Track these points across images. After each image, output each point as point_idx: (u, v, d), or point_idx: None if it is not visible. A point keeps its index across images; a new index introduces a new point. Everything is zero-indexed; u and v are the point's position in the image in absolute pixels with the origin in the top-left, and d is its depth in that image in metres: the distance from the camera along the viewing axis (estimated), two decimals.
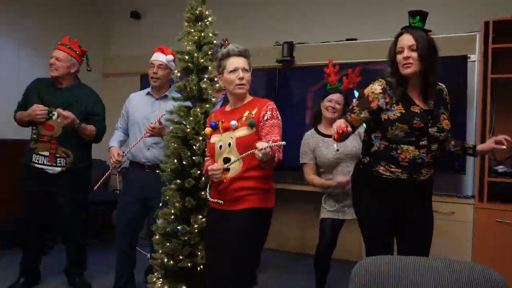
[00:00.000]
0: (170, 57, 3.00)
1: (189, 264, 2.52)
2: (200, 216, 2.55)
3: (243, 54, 2.21)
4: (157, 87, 3.09)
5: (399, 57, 2.13)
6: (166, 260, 2.56)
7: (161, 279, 2.60)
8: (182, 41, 2.57)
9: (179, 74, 2.60)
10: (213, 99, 2.61)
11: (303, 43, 4.46)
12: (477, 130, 3.54)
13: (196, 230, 2.54)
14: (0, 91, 4.27)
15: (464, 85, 3.68)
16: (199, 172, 2.50)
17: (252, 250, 2.18)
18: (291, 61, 4.39)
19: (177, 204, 2.55)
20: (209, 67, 2.56)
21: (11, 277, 3.33)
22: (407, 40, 2.11)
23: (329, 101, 2.98)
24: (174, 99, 2.63)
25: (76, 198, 3.20)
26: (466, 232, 3.48)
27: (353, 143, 2.93)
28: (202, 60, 2.54)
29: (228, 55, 2.21)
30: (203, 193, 2.55)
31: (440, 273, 1.47)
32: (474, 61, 3.75)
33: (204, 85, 2.56)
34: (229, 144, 2.16)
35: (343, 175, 2.85)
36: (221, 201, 2.16)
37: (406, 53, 2.10)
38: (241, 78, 2.17)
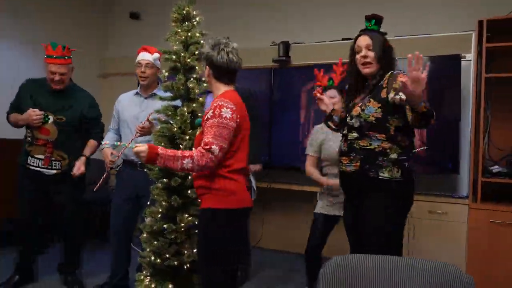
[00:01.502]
0: (156, 55, 3.06)
1: (175, 263, 2.54)
2: (187, 215, 2.57)
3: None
4: (145, 86, 3.16)
5: (358, 56, 2.26)
6: (153, 258, 2.57)
7: (148, 277, 2.62)
8: (169, 41, 2.59)
9: (166, 74, 2.62)
10: (200, 99, 2.62)
11: (299, 43, 4.45)
12: (471, 130, 3.51)
13: (182, 229, 2.56)
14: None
15: (459, 84, 3.65)
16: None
17: (207, 251, 2.09)
18: (287, 61, 4.38)
19: (163, 203, 2.57)
20: (196, 67, 2.59)
21: (4, 274, 3.36)
22: (363, 40, 2.25)
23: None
24: (161, 98, 2.66)
25: (76, 196, 3.26)
26: (460, 232, 3.46)
27: None
28: (189, 60, 2.56)
29: None
30: (189, 192, 2.56)
31: (410, 271, 1.46)
32: (470, 60, 3.71)
33: (191, 85, 2.57)
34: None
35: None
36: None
37: (363, 52, 2.22)
38: None
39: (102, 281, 3.33)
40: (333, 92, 3.03)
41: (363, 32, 2.30)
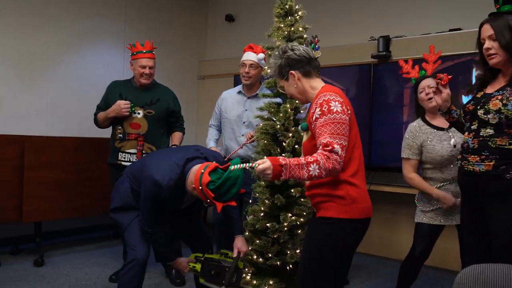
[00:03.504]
0: (261, 55, 3.03)
1: (278, 263, 2.53)
2: (290, 214, 2.55)
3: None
4: (249, 86, 3.19)
5: (483, 48, 2.09)
6: (255, 257, 2.57)
7: (249, 274, 2.61)
8: (272, 37, 2.58)
9: (269, 71, 2.59)
10: None
11: (400, 37, 4.22)
12: None
13: (285, 228, 2.54)
14: None
15: None
16: None
17: (322, 263, 1.87)
18: (387, 56, 4.17)
19: (266, 201, 2.58)
20: None
21: (116, 266, 3.61)
22: (486, 30, 2.07)
23: (421, 91, 2.73)
24: (264, 95, 2.67)
25: None
26: None
27: None
28: None
29: None
30: (292, 190, 2.51)
31: None
32: None
33: None
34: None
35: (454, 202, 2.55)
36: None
37: (487, 43, 2.06)
38: None
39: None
40: (430, 81, 2.68)
41: (486, 19, 2.11)
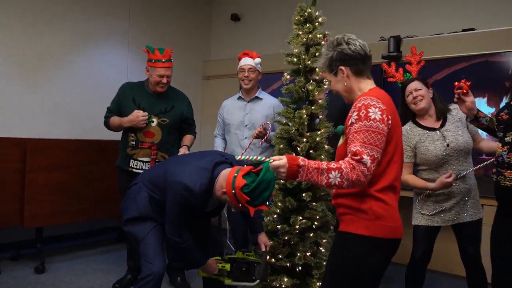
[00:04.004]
0: (258, 59, 3.24)
1: (287, 264, 2.52)
2: (300, 217, 2.52)
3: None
4: (248, 90, 3.32)
5: None
6: (268, 257, 2.56)
7: None
8: (291, 44, 2.59)
9: (288, 77, 2.62)
10: (320, 101, 2.57)
11: (411, 37, 4.13)
12: None
13: (296, 231, 2.52)
14: (110, 94, 4.52)
15: None
16: None
17: (342, 280, 1.72)
18: (398, 56, 4.07)
19: (279, 204, 2.58)
20: (316, 69, 2.57)
21: (119, 272, 3.52)
22: None
23: (407, 95, 2.67)
24: (281, 101, 2.69)
25: None
26: None
27: (465, 136, 2.57)
28: (309, 62, 2.54)
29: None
30: (304, 194, 2.48)
31: None
32: None
33: (310, 87, 2.54)
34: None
35: (448, 174, 2.49)
36: None
37: None
38: None
39: None
40: (416, 84, 2.64)
41: None
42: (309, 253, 2.50)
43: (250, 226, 2.61)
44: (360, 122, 1.61)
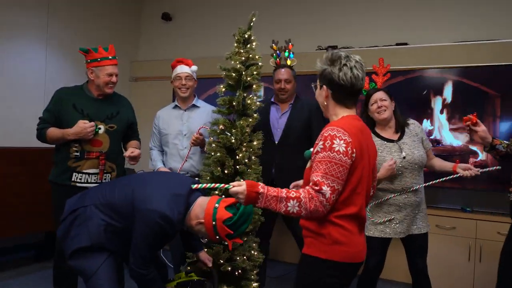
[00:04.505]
0: (194, 67, 3.19)
1: (228, 268, 2.63)
2: None
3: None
4: (185, 98, 3.23)
5: None
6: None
7: None
8: (231, 59, 2.75)
9: (224, 89, 2.76)
10: (255, 115, 2.77)
11: (348, 47, 4.19)
12: None
13: None
14: (28, 95, 4.06)
15: None
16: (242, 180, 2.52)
17: None
18: None
19: None
20: (254, 85, 2.77)
21: None
22: None
23: (372, 103, 2.72)
24: (219, 111, 2.80)
25: None
26: None
27: (421, 151, 2.67)
28: (249, 79, 2.72)
29: None
30: None
31: None
32: None
33: (249, 101, 2.74)
34: None
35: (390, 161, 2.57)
36: None
37: None
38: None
39: None
40: (382, 94, 2.70)
41: None
42: (245, 257, 2.68)
43: (190, 246, 2.51)
44: (325, 152, 1.64)
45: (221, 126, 2.73)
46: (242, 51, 2.74)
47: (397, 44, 4.05)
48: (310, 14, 4.62)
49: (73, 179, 2.80)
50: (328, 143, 1.64)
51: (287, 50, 3.27)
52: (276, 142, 3.19)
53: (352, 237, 1.71)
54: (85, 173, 2.80)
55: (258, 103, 2.74)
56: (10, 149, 3.61)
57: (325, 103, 1.80)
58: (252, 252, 2.73)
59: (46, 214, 3.48)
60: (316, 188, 1.59)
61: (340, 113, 1.78)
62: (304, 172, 1.82)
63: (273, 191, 1.63)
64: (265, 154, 2.91)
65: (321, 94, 1.81)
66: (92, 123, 2.75)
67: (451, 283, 3.56)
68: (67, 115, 2.79)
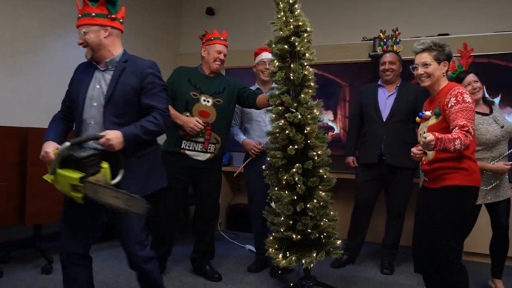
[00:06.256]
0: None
1: (317, 235, 2.66)
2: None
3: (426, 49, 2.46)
4: (266, 81, 3.57)
5: None
6: (294, 235, 2.68)
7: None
8: (278, 31, 2.63)
9: (277, 64, 2.67)
10: (312, 84, 2.67)
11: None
12: None
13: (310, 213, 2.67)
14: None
15: None
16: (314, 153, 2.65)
17: (449, 225, 2.34)
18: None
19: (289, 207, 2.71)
20: (307, 54, 2.65)
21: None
22: None
23: (466, 85, 2.93)
24: (275, 88, 2.76)
25: (219, 185, 3.35)
26: None
27: (508, 122, 3.07)
28: (302, 48, 2.60)
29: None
30: (321, 170, 2.67)
31: None
32: None
33: (306, 72, 2.64)
34: (424, 132, 2.39)
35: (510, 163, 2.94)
36: None
37: None
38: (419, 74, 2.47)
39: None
40: (474, 76, 2.98)
41: None
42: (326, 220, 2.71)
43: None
44: (459, 104, 2.28)
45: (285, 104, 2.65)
46: (291, 20, 2.60)
47: (439, 35, 4.38)
48: (355, 8, 4.98)
49: (182, 146, 3.12)
50: (460, 97, 2.29)
51: (394, 38, 3.76)
52: (384, 120, 3.59)
53: (478, 167, 2.41)
54: (193, 141, 3.12)
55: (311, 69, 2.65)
56: None
57: (442, 74, 2.45)
58: (328, 211, 2.73)
59: None
60: (465, 129, 2.18)
61: (444, 82, 2.47)
62: (428, 128, 2.39)
63: (446, 136, 2.13)
64: (374, 131, 3.58)
65: (440, 68, 2.45)
66: (201, 126, 3.03)
67: None
68: (182, 88, 3.14)
